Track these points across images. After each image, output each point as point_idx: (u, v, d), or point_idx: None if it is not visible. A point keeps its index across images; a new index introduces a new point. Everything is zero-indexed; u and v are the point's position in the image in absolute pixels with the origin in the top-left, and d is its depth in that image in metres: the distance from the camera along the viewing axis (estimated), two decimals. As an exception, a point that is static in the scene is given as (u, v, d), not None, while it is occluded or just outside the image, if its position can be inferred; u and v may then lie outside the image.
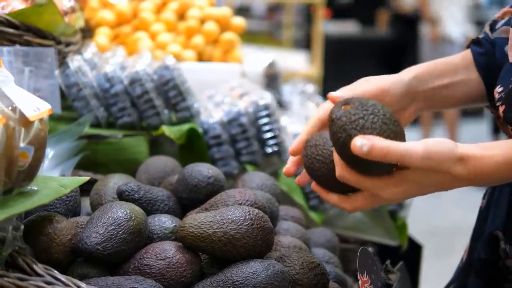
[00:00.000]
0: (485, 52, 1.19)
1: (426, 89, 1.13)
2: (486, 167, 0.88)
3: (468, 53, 1.21)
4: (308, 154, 0.96)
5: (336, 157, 0.91)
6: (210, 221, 1.00)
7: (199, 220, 1.00)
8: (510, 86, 1.06)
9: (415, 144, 0.85)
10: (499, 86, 1.10)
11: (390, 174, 0.88)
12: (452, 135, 6.32)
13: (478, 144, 0.91)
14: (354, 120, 0.85)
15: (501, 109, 1.07)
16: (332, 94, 1.00)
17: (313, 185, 0.98)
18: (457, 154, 0.87)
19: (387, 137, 0.85)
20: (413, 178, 0.88)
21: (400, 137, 0.87)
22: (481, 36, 1.22)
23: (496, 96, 1.09)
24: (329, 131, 0.88)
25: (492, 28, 1.21)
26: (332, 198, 0.96)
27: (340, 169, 0.90)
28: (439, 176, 0.88)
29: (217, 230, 0.99)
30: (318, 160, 0.94)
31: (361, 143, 0.83)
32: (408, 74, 1.11)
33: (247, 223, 1.00)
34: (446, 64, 1.18)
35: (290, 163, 1.07)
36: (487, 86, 1.18)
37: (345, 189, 0.93)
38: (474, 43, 1.22)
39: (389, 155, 0.83)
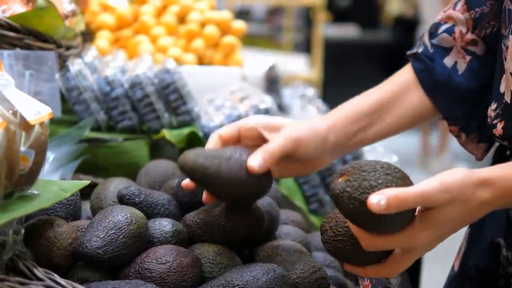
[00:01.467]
0: (426, 68, 1.15)
1: (354, 143, 1.11)
2: None
3: (408, 70, 1.16)
4: (327, 240, 0.94)
5: (355, 229, 0.88)
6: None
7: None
8: (505, 100, 1.02)
9: (430, 181, 0.82)
10: (493, 103, 1.06)
11: (414, 221, 0.84)
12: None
13: (493, 167, 0.88)
14: (359, 185, 0.83)
15: (500, 125, 1.04)
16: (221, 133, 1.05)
17: (346, 267, 0.95)
18: (475, 179, 0.84)
19: (396, 186, 0.82)
20: (440, 217, 0.84)
21: (407, 180, 0.84)
22: (420, 50, 1.16)
23: (492, 114, 1.06)
24: (337, 207, 0.86)
25: (433, 33, 1.15)
26: (370, 271, 0.92)
27: (364, 239, 0.87)
28: (465, 205, 0.84)
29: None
30: (339, 240, 0.92)
31: (377, 199, 0.79)
32: (330, 138, 1.07)
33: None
34: (380, 102, 1.13)
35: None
36: (437, 103, 1.14)
37: (378, 257, 0.90)
38: (414, 58, 1.17)
39: (408, 201, 0.80)
